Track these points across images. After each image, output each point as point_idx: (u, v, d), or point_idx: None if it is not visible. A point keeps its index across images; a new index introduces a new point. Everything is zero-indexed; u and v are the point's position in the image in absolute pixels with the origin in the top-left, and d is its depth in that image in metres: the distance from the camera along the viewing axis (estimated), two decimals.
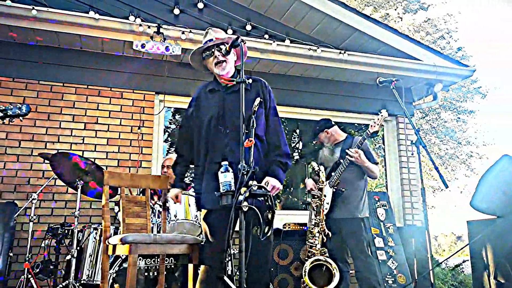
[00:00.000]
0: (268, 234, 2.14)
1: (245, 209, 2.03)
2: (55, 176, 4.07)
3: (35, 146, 4.65)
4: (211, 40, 2.71)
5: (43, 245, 4.11)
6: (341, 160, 4.00)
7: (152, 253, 3.01)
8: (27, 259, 3.75)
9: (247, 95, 2.30)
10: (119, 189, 3.80)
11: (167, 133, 6.56)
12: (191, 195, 3.77)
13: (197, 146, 2.66)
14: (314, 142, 4.51)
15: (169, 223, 3.58)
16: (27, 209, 4.23)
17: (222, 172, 2.20)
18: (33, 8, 4.32)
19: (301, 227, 4.76)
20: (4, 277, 4.05)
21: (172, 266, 3.49)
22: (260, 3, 5.44)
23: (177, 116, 8.58)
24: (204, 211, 2.57)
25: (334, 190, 3.88)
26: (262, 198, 2.12)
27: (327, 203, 3.74)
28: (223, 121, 2.58)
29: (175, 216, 3.61)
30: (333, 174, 4.00)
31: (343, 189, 3.89)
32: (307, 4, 5.42)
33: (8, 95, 4.68)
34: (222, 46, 2.64)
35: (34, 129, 4.70)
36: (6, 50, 4.70)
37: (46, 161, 4.14)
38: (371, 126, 3.98)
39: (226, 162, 2.24)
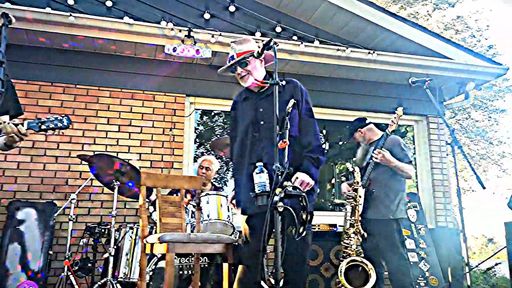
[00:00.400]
0: (303, 235, 2.18)
1: (280, 209, 2.08)
2: (93, 177, 4.22)
3: (72, 148, 4.83)
4: (232, 57, 2.81)
5: (81, 243, 4.26)
6: (370, 160, 4.00)
7: (189, 252, 3.09)
8: (66, 257, 3.89)
9: (280, 97, 2.34)
10: (153, 189, 3.94)
11: (195, 134, 6.68)
12: (223, 196, 3.85)
13: (235, 150, 2.78)
14: (350, 141, 4.48)
15: (201, 223, 3.66)
16: (65, 209, 4.39)
17: (257, 173, 2.25)
18: (70, 15, 4.49)
19: (330, 228, 4.77)
20: (45, 274, 4.22)
21: (206, 265, 3.57)
22: (289, 5, 5.48)
23: (204, 118, 8.72)
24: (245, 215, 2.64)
25: (365, 190, 3.88)
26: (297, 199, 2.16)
27: (360, 204, 3.73)
28: (257, 128, 2.68)
29: (208, 216, 3.70)
30: (364, 174, 3.99)
31: (373, 190, 3.88)
32: (335, 5, 5.43)
33: (47, 99, 4.87)
34: (243, 61, 2.74)
35: (72, 132, 4.87)
36: (45, 56, 4.89)
37: (84, 163, 4.29)
38: (390, 125, 3.97)
39: (261, 163, 2.29)
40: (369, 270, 2.79)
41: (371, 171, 3.93)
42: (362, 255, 2.89)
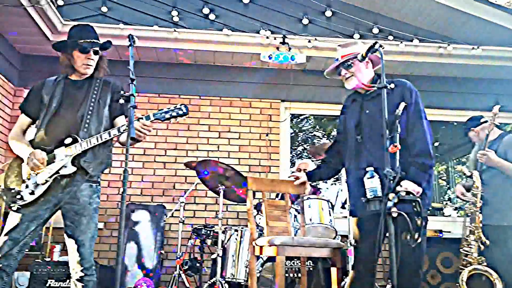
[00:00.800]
0: (419, 241, 2.13)
1: (394, 215, 2.06)
2: (198, 181, 4.47)
3: (178, 154, 5.16)
4: (337, 59, 2.83)
5: (189, 244, 4.53)
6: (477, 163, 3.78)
7: (298, 256, 3.16)
8: (178, 256, 4.17)
9: (389, 99, 2.31)
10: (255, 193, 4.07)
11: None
12: (324, 200, 3.87)
13: (344, 153, 2.80)
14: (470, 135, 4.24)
15: (303, 227, 3.71)
16: (175, 212, 4.69)
17: (368, 178, 2.25)
18: (175, 30, 4.81)
19: (435, 233, 4.58)
20: (158, 272, 4.56)
21: (310, 269, 3.62)
22: (385, 5, 5.35)
23: (294, 121, 8.81)
24: (355, 218, 2.65)
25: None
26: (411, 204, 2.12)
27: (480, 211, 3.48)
28: (360, 131, 2.68)
29: (310, 220, 3.74)
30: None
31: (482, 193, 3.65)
32: (433, 1, 5.19)
33: (154, 110, 5.23)
34: (347, 63, 2.75)
35: (177, 139, 5.21)
36: (151, 70, 5.29)
37: (189, 169, 4.55)
38: (489, 125, 3.73)
39: (372, 168, 2.29)
40: (493, 280, 2.63)
41: (481, 174, 3.71)
42: (485, 263, 2.73)
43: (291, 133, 8.33)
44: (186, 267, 4.23)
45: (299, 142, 9.36)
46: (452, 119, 5.64)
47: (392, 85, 2.38)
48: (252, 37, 5.00)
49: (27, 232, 2.43)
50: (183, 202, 4.33)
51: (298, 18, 5.27)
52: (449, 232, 4.73)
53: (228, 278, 3.86)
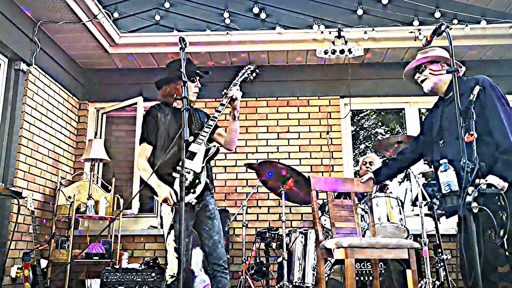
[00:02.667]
0: (505, 238, 1.91)
1: (475, 210, 1.85)
2: (260, 184, 4.40)
3: (238, 157, 5.12)
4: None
5: (254, 248, 4.48)
6: None
7: (368, 258, 2.99)
8: (243, 261, 4.11)
9: (462, 100, 2.13)
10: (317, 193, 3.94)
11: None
12: (392, 198, 3.66)
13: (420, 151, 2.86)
14: None
15: (373, 226, 3.52)
16: (238, 215, 4.66)
17: (442, 171, 2.05)
18: (227, 33, 4.79)
19: None
20: None
21: (382, 271, 3.42)
22: None
23: (355, 119, 8.51)
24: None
25: None
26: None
27: None
28: (442, 135, 2.61)
29: (379, 219, 3.54)
30: None
31: None
32: None
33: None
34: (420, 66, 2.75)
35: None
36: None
37: (250, 171, 4.50)
38: None
39: (445, 160, 2.09)
40: None
41: None
42: None
43: (352, 131, 8.09)
44: (252, 271, 4.17)
45: (361, 140, 9.07)
46: None
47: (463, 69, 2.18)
48: (305, 33, 4.86)
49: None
50: (245, 206, 4.28)
51: (352, 9, 5.05)
52: None
53: (296, 282, 3.75)
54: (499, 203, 1.94)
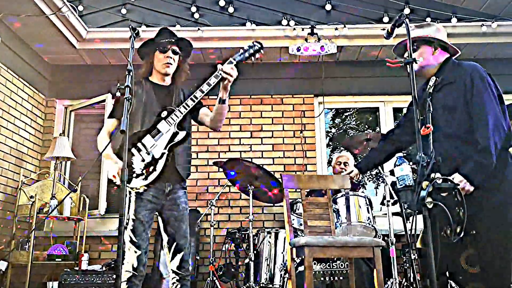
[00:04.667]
0: (461, 235, 1.83)
1: (429, 206, 1.77)
2: (229, 183, 4.29)
3: (210, 156, 5.01)
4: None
5: (223, 249, 4.37)
6: None
7: (329, 257, 2.91)
8: (211, 262, 4.00)
9: (451, 88, 2.13)
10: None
11: (328, 138, 6.47)
12: (361, 196, 3.58)
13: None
14: None
15: (340, 226, 3.45)
16: (208, 215, 4.55)
17: (397, 166, 1.97)
18: (199, 29, 4.68)
19: None
20: (194, 278, 4.41)
21: (344, 271, 3.33)
22: None
23: (336, 120, 8.44)
24: None
25: None
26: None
27: None
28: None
29: (346, 218, 3.46)
30: None
31: None
32: None
33: None
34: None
35: (208, 141, 5.07)
36: None
37: (221, 170, 4.40)
38: None
39: (401, 154, 2.01)
40: None
41: None
42: None
43: (334, 133, 8.01)
44: (221, 272, 4.07)
45: (336, 138, 8.99)
46: None
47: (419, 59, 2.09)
48: (278, 30, 4.78)
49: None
50: (214, 205, 4.17)
51: (322, 5, 4.98)
52: None
53: (263, 283, 3.65)
54: (455, 199, 1.87)
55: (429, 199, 1.78)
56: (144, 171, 2.47)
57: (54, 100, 5.17)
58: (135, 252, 2.42)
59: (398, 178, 1.95)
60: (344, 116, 8.28)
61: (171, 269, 2.59)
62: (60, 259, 4.13)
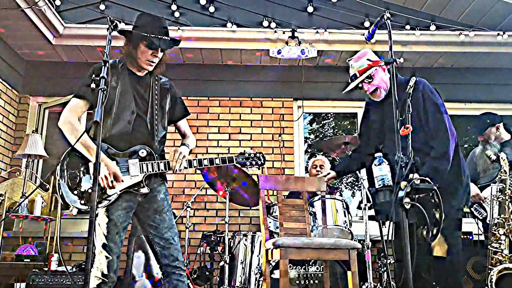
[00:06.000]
0: (437, 237, 1.83)
1: (407, 206, 1.77)
2: (206, 186, 4.23)
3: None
4: (354, 75, 2.76)
5: (198, 252, 4.30)
6: None
7: (304, 258, 2.88)
8: (185, 265, 3.91)
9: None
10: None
11: (306, 145, 6.46)
12: (338, 200, 3.57)
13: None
14: (478, 139, 3.97)
15: (316, 229, 3.43)
16: (183, 218, 4.47)
17: (376, 165, 1.96)
18: (179, 29, 4.62)
19: (465, 236, 4.20)
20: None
21: (319, 274, 3.31)
22: None
23: (314, 125, 8.46)
24: None
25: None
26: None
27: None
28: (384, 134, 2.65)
29: (322, 221, 3.44)
30: None
31: None
32: None
33: None
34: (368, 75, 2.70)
35: None
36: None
37: (198, 172, 4.34)
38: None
39: (380, 154, 2.00)
40: None
41: None
42: None
43: (313, 139, 8.01)
44: (195, 275, 4.00)
45: (313, 142, 9.01)
46: (470, 113, 5.24)
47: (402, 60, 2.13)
48: (259, 32, 4.76)
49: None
50: (189, 207, 4.10)
51: (303, 9, 4.99)
52: (481, 234, 4.34)
53: (238, 286, 3.59)
54: (433, 200, 1.87)
55: (407, 200, 1.78)
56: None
57: (28, 96, 5.03)
58: (106, 257, 2.23)
59: (377, 177, 1.94)
60: (322, 122, 8.31)
61: (164, 269, 2.41)
62: (28, 260, 3.99)
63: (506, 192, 2.41)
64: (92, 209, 1.76)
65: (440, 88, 4.97)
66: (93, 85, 1.84)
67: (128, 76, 2.46)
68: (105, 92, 1.82)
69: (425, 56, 4.98)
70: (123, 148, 2.37)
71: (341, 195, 4.72)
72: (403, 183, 1.78)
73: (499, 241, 2.42)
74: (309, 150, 7.93)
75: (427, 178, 1.84)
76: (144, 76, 2.52)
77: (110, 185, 2.24)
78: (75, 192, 2.28)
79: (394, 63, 2.00)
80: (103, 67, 1.90)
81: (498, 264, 2.36)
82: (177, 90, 2.70)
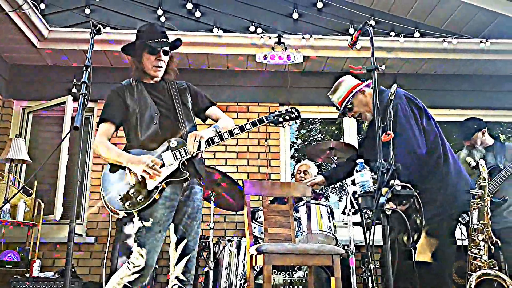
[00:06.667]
0: (419, 243, 1.85)
1: (388, 212, 1.78)
2: None
3: None
4: (336, 107, 2.92)
5: None
6: (501, 166, 3.65)
7: (288, 264, 2.89)
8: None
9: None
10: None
11: (294, 149, 6.48)
12: (323, 205, 3.59)
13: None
14: (465, 144, 4.03)
15: (301, 234, 3.44)
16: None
17: (357, 171, 1.98)
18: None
19: None
20: (151, 287, 4.28)
21: (303, 280, 3.32)
22: (383, 1, 5.07)
23: (302, 131, 8.49)
24: None
25: (492, 199, 3.50)
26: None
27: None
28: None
29: (307, 227, 3.45)
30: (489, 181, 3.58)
31: (506, 198, 3.50)
32: None
33: None
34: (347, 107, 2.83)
35: None
36: None
37: None
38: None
39: (362, 160, 2.02)
40: (507, 286, 2.32)
41: (505, 179, 3.58)
42: (497, 268, 2.42)
43: (300, 144, 8.03)
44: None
45: (300, 147, 9.04)
46: (453, 119, 5.32)
47: (383, 67, 2.16)
48: (245, 37, 4.78)
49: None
50: None
51: (288, 14, 5.02)
52: (465, 239, 4.40)
53: None
54: (414, 206, 1.89)
55: (388, 206, 1.79)
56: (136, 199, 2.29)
57: (12, 100, 4.97)
58: (144, 254, 2.26)
59: (359, 184, 1.96)
60: (309, 127, 8.34)
61: (175, 276, 2.43)
62: (10, 266, 3.93)
63: (485, 198, 2.45)
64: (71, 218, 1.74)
65: (424, 94, 5.10)
66: (74, 90, 1.83)
67: (144, 88, 2.53)
68: (86, 97, 1.80)
69: (410, 63, 5.04)
70: (155, 148, 2.40)
71: (327, 200, 4.76)
72: (384, 189, 1.80)
73: (479, 247, 2.45)
74: (296, 155, 7.95)
75: (408, 185, 1.86)
76: (159, 83, 2.59)
77: (156, 173, 2.25)
78: (120, 197, 2.30)
79: (376, 70, 2.02)
80: (85, 71, 1.88)
81: (478, 269, 2.39)
82: (196, 88, 2.77)
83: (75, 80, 1.70)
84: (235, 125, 2.50)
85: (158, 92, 2.54)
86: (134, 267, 2.26)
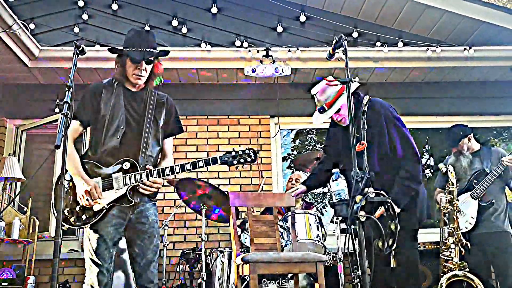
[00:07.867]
0: (393, 248, 1.91)
1: (362, 219, 1.84)
2: (182, 204, 4.27)
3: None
4: (322, 108, 2.86)
5: (177, 270, 4.32)
6: (487, 171, 3.70)
7: (273, 273, 2.93)
8: (164, 283, 3.94)
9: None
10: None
11: (289, 160, 6.53)
12: (311, 214, 3.64)
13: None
14: (452, 150, 4.11)
15: (290, 243, 3.48)
16: (162, 236, 4.49)
17: (333, 181, 2.05)
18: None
19: (438, 246, 4.29)
20: None
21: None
22: (368, 11, 5.17)
23: (297, 142, 8.55)
24: None
25: (479, 202, 3.57)
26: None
27: (472, 217, 3.42)
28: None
29: (296, 236, 3.50)
30: (476, 185, 3.68)
31: (492, 201, 3.53)
32: (422, 4, 5.00)
33: None
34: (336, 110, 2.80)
35: None
36: None
37: (173, 190, 4.37)
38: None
39: (337, 170, 2.09)
40: (476, 286, 2.38)
41: (490, 183, 3.63)
42: (467, 269, 2.47)
43: (295, 154, 8.09)
44: None
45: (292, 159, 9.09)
46: (442, 125, 5.39)
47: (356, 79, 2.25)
48: (234, 51, 4.87)
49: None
50: (167, 226, 4.14)
51: (274, 27, 5.13)
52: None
53: None
54: (388, 212, 1.95)
55: (362, 212, 1.85)
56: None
57: (5, 119, 5.04)
58: (96, 272, 2.30)
59: (334, 192, 2.02)
60: (304, 138, 8.42)
61: (141, 284, 2.44)
62: (6, 283, 3.97)
63: (454, 202, 2.51)
64: (58, 229, 1.80)
65: (412, 102, 5.22)
66: (57, 109, 1.90)
67: (122, 93, 2.50)
68: (68, 117, 1.87)
69: (396, 72, 5.13)
70: (111, 164, 2.41)
71: (323, 210, 4.81)
72: (358, 197, 1.86)
73: (449, 250, 2.51)
74: (292, 166, 8.01)
75: (382, 192, 1.92)
76: (140, 91, 2.55)
77: (87, 203, 2.29)
78: (65, 211, 2.35)
79: (350, 82, 2.09)
80: (67, 91, 1.95)
81: (449, 271, 2.44)
82: (175, 106, 2.68)
83: (58, 100, 1.76)
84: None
85: (134, 101, 2.51)
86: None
